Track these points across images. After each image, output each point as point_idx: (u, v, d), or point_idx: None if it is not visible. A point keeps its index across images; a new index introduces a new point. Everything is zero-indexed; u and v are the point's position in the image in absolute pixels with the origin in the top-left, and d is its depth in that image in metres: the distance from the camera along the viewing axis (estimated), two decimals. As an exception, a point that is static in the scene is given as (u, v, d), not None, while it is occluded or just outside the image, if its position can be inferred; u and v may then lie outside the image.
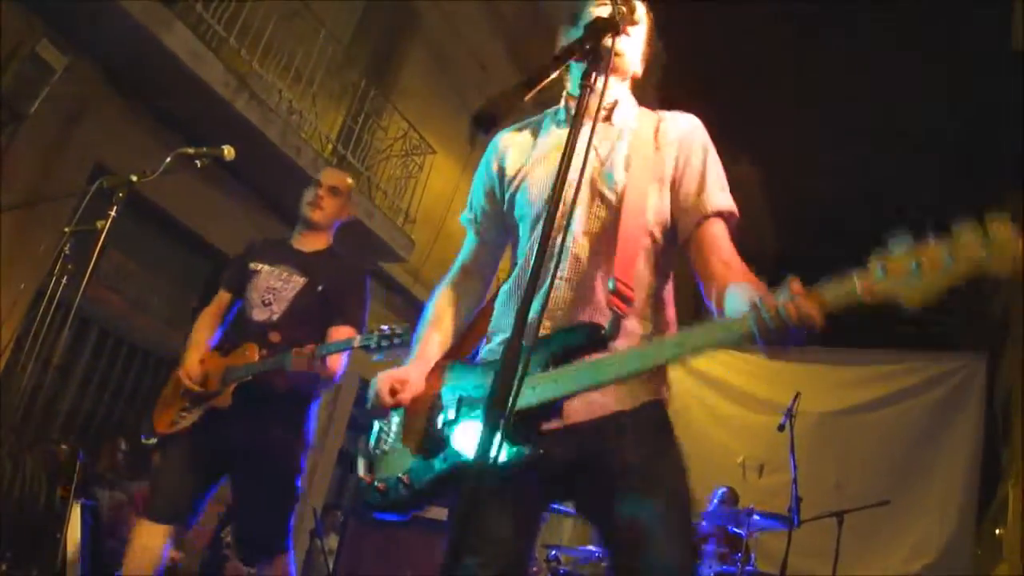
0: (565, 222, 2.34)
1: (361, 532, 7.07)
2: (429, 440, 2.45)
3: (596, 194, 2.44)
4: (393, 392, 2.51)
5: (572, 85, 2.58)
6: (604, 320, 2.30)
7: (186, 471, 4.20)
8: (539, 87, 2.00)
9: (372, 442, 2.64)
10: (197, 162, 4.31)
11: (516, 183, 2.62)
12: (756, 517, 6.89)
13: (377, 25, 12.47)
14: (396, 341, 3.82)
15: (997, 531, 11.04)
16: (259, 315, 4.33)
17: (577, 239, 2.40)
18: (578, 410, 2.29)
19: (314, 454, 11.91)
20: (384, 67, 12.54)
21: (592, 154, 2.46)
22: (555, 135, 2.61)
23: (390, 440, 2.59)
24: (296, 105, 10.30)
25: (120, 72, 8.62)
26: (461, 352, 2.68)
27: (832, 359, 11.57)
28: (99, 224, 3.91)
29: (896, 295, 1.81)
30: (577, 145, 2.00)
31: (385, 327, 3.89)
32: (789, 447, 7.23)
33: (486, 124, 1.91)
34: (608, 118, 2.55)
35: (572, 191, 2.27)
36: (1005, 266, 1.69)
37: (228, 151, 4.32)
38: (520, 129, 2.74)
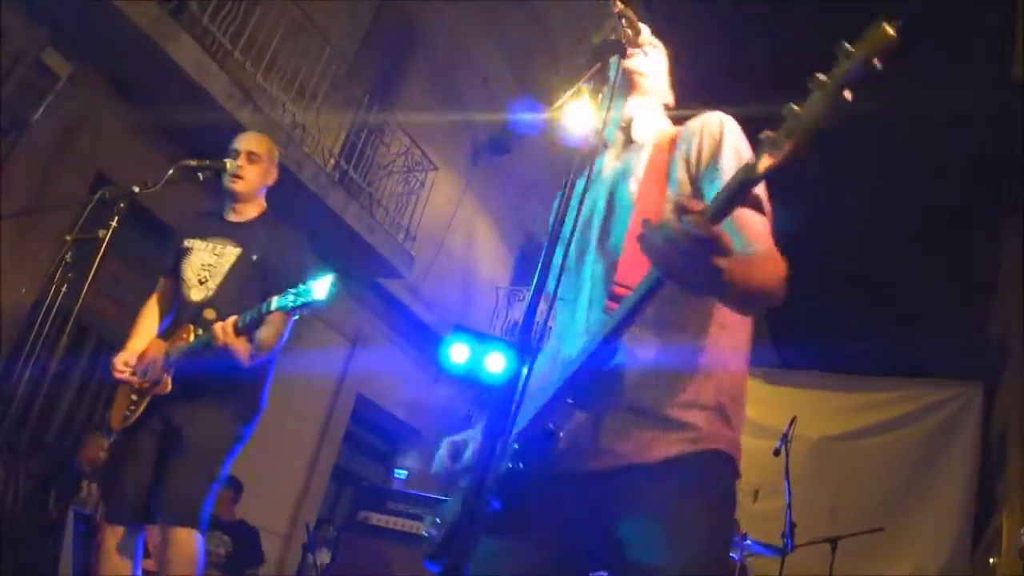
0: (581, 244, 2.34)
1: (353, 547, 7.03)
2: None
3: (612, 210, 2.35)
4: (454, 457, 2.44)
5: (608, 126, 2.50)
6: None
7: (140, 465, 4.06)
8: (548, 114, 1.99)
9: (448, 503, 2.54)
10: (199, 174, 4.30)
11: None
12: (749, 542, 6.88)
13: (381, 42, 12.50)
14: (314, 298, 3.67)
15: (991, 560, 11.02)
16: (196, 294, 4.21)
17: (595, 256, 2.31)
18: (591, 457, 2.13)
19: (308, 469, 11.94)
20: (388, 83, 12.56)
21: (609, 174, 2.42)
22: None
23: (453, 498, 2.49)
24: (299, 119, 10.32)
25: (124, 81, 8.64)
26: None
27: (829, 385, 11.59)
28: (100, 233, 3.90)
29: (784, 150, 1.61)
30: (594, 170, 1.99)
31: (302, 284, 3.74)
32: (784, 472, 7.21)
33: (498, 150, 1.91)
34: (628, 139, 2.46)
35: (591, 215, 2.34)
36: (873, 45, 1.51)
37: (231, 164, 4.32)
38: None
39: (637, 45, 2.33)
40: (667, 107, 2.58)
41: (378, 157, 11.89)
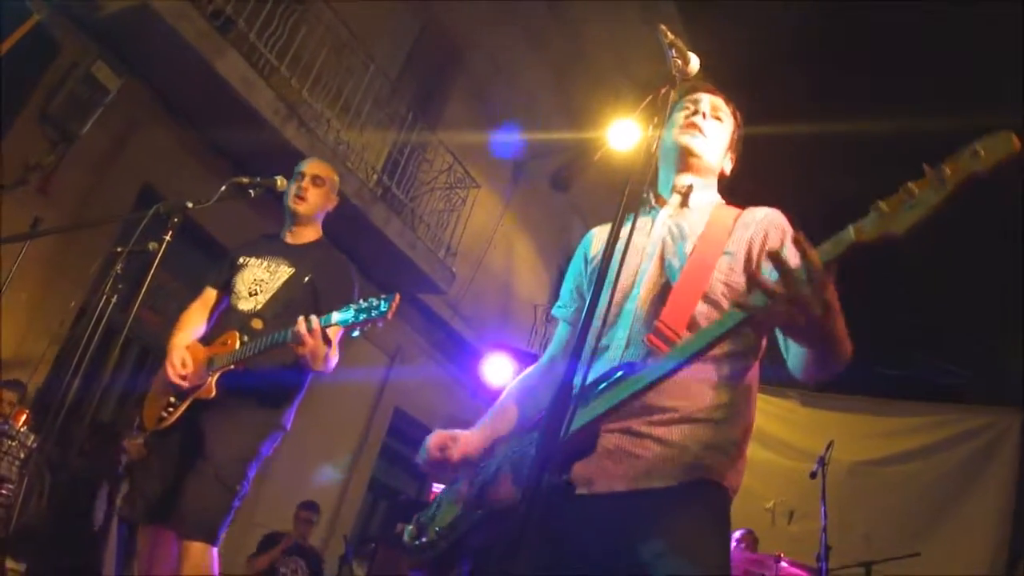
0: (629, 288, 2.41)
1: (390, 560, 7.08)
2: (471, 493, 2.43)
3: (663, 264, 2.44)
4: (442, 449, 2.52)
5: (660, 186, 2.64)
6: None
7: (168, 468, 4.06)
8: (606, 147, 2.01)
9: (432, 510, 2.60)
10: (250, 192, 4.36)
11: (594, 266, 2.64)
12: (784, 564, 6.87)
13: (424, 61, 12.62)
14: (375, 314, 3.65)
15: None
16: (244, 305, 4.26)
17: (640, 302, 2.40)
18: (607, 478, 2.21)
19: (344, 481, 12.00)
20: (430, 101, 12.67)
21: (664, 230, 2.51)
22: (638, 223, 2.53)
23: (443, 505, 2.55)
24: (343, 135, 10.42)
25: (171, 95, 8.78)
26: None
27: (864, 408, 11.50)
28: (152, 246, 3.95)
29: (888, 230, 1.74)
30: (637, 221, 2.08)
31: (362, 300, 3.73)
32: (820, 495, 7.20)
33: (562, 185, 1.94)
34: (684, 203, 2.57)
35: (640, 260, 2.44)
36: (999, 154, 1.63)
37: (281, 182, 4.36)
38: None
39: (687, 75, 2.36)
40: (722, 175, 2.72)
41: (420, 174, 11.96)
